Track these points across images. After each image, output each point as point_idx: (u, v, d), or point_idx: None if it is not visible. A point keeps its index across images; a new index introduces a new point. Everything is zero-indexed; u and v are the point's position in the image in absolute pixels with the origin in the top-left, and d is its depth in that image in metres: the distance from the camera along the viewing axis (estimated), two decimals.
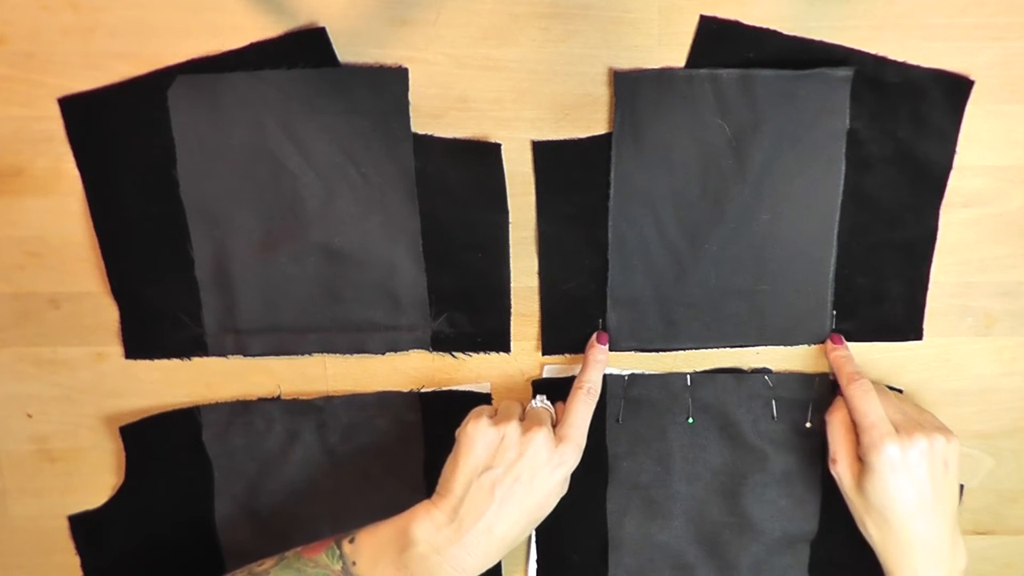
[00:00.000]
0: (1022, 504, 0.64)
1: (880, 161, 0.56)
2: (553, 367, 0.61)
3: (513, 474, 0.51)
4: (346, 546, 0.51)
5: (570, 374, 0.60)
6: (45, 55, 0.54)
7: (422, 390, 0.61)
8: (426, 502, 0.52)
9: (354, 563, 0.51)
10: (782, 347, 0.60)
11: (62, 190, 0.57)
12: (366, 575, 0.50)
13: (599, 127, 0.56)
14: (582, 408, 0.55)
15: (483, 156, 0.56)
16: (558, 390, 0.60)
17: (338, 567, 0.51)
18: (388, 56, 0.54)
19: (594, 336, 0.58)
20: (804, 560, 0.62)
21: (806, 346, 0.60)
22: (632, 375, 0.60)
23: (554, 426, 0.54)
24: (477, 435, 0.52)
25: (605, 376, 0.60)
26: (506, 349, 0.60)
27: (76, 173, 0.56)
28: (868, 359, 0.60)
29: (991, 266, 0.59)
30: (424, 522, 0.51)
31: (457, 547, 0.50)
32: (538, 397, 0.57)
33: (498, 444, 0.51)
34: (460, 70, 0.54)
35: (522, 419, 0.54)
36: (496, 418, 0.53)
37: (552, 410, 0.56)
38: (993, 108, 0.55)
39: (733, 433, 0.61)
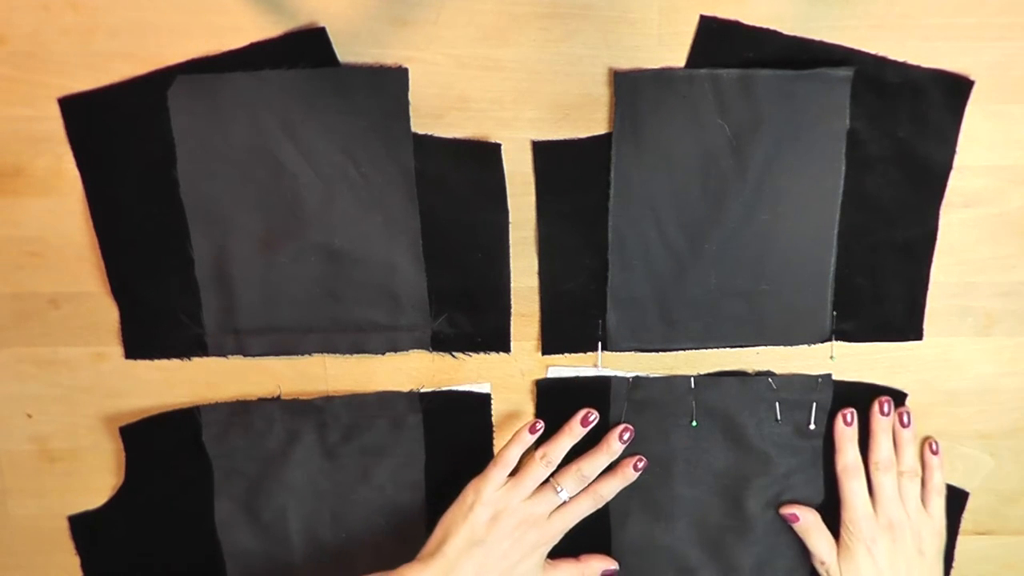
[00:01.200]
0: (1022, 504, 0.64)
1: (880, 161, 0.56)
2: (558, 368, 0.60)
3: (500, 552, 0.56)
4: None
5: (575, 375, 0.60)
6: (45, 55, 0.54)
7: (422, 390, 0.61)
8: (417, 564, 0.55)
9: None
10: (782, 347, 0.60)
11: (62, 190, 0.57)
12: None
13: (599, 127, 0.56)
14: (583, 510, 0.59)
15: (483, 156, 0.56)
16: (562, 393, 0.60)
17: None
18: (388, 56, 0.54)
19: (636, 460, 0.60)
20: (808, 563, 0.62)
21: (806, 346, 0.60)
22: (636, 378, 0.60)
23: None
24: (484, 504, 0.57)
25: (609, 378, 0.60)
26: (506, 349, 0.60)
27: (76, 173, 0.56)
28: (868, 359, 0.60)
29: (991, 266, 0.59)
30: None
31: None
32: (563, 491, 0.58)
33: (497, 519, 0.56)
34: (460, 70, 0.54)
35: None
36: (509, 486, 0.57)
37: (564, 499, 0.59)
38: (993, 108, 0.55)
39: (736, 436, 0.61)
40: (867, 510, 0.59)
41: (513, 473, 0.58)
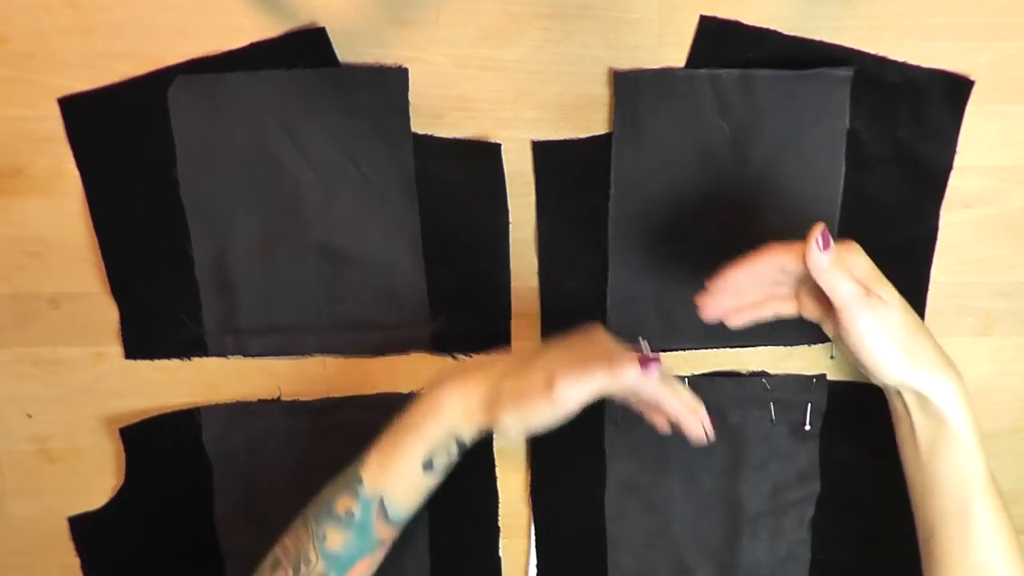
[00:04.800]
0: (1022, 504, 0.64)
1: (880, 161, 0.56)
2: None
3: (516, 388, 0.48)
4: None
5: None
6: (45, 55, 0.54)
7: (422, 391, 0.60)
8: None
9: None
10: (781, 347, 0.60)
11: (62, 190, 0.56)
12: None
13: (599, 127, 0.56)
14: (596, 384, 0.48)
15: (483, 156, 0.56)
16: None
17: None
18: (388, 56, 0.54)
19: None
20: (804, 563, 0.62)
21: (805, 346, 0.60)
22: None
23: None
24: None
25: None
26: (506, 349, 0.60)
27: (76, 173, 0.56)
28: None
29: (991, 266, 0.59)
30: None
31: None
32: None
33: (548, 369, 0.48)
34: (460, 70, 0.54)
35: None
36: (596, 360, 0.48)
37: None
38: (993, 108, 0.55)
39: (731, 436, 0.61)
40: None
41: None
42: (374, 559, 0.52)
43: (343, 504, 0.50)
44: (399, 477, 0.50)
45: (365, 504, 0.50)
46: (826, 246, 0.47)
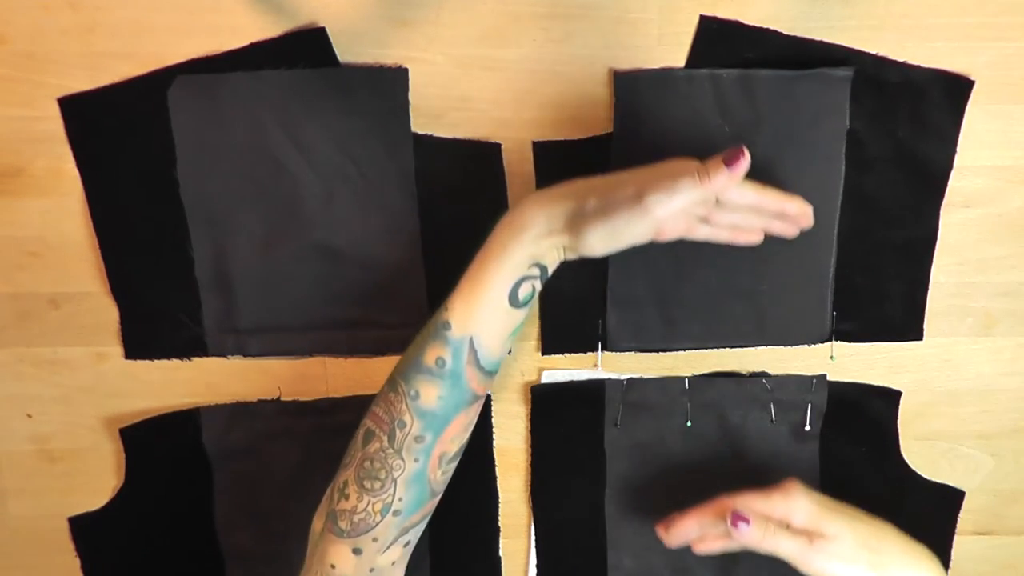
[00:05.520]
0: (1022, 504, 0.64)
1: (880, 161, 0.56)
2: (552, 372, 0.60)
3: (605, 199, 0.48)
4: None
5: (569, 378, 0.60)
6: (45, 55, 0.54)
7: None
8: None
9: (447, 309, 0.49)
10: (782, 347, 0.60)
11: (62, 190, 0.57)
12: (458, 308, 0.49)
13: (599, 127, 0.56)
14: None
15: (483, 156, 0.56)
16: (558, 397, 0.60)
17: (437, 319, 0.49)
18: (388, 56, 0.54)
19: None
20: None
21: (806, 346, 0.60)
22: (630, 379, 0.60)
23: None
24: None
25: (603, 381, 0.60)
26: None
27: (76, 173, 0.56)
28: (868, 359, 0.60)
29: (991, 266, 0.59)
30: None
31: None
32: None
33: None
34: (460, 70, 0.54)
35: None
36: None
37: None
38: (993, 108, 0.55)
39: (731, 436, 0.61)
40: None
41: None
42: (468, 418, 0.50)
43: (432, 354, 0.48)
44: (486, 314, 0.48)
45: (456, 349, 0.48)
46: (735, 523, 0.52)
